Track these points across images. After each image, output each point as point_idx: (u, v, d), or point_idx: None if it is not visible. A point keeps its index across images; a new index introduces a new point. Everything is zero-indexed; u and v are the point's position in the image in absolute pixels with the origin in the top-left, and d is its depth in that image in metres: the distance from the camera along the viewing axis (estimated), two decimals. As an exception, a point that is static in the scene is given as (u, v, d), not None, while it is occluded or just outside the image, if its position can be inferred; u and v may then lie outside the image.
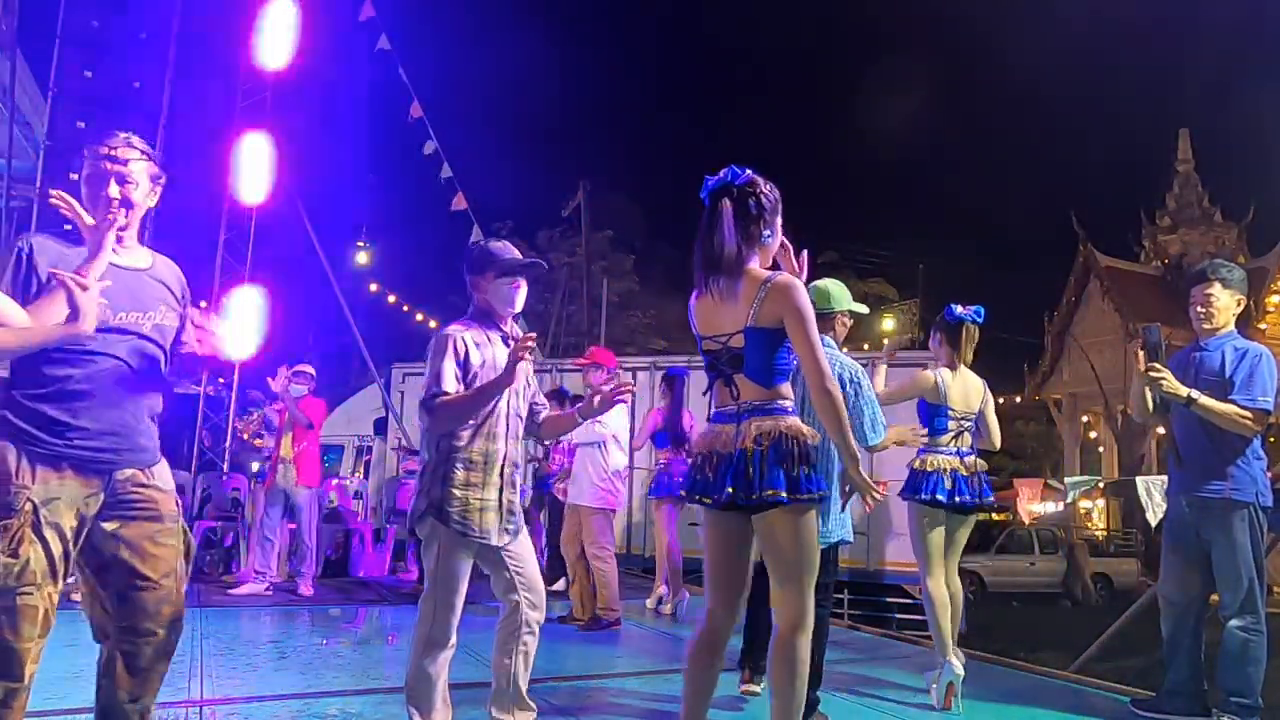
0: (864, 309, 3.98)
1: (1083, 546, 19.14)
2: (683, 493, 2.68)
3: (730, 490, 2.41)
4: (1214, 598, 3.75)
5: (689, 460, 2.72)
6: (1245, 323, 4.44)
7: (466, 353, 2.89)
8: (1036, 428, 32.16)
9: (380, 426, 12.00)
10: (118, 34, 9.74)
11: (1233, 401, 3.59)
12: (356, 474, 11.78)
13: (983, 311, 4.11)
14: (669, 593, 6.55)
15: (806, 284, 2.72)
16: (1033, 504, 24.26)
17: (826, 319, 3.68)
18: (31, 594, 2.13)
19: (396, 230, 24.94)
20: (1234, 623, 3.58)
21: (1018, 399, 27.58)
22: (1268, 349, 3.76)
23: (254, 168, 10.26)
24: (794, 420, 2.48)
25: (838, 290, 3.78)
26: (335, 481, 10.09)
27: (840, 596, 9.56)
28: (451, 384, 2.82)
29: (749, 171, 2.58)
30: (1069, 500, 22.72)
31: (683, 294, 3.35)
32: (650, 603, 6.87)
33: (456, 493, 2.84)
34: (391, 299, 21.59)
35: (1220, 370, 3.69)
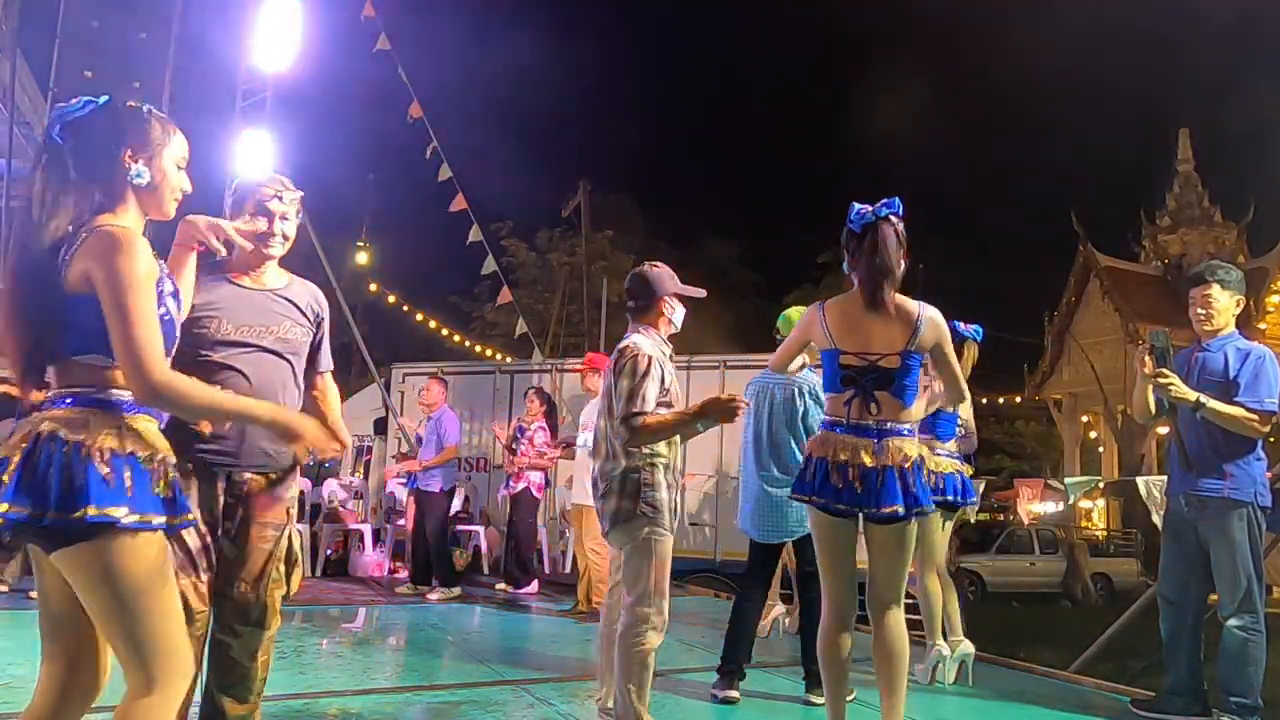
0: None
1: (1083, 546, 19.11)
2: (811, 496, 2.82)
3: (895, 507, 2.67)
4: (1213, 597, 3.76)
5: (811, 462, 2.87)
6: (1245, 323, 4.46)
7: (662, 374, 3.11)
8: (1036, 428, 32.06)
9: (380, 426, 11.98)
10: (118, 34, 9.73)
11: (1239, 403, 3.59)
12: (356, 474, 11.75)
13: (980, 331, 4.42)
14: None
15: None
16: (1033, 504, 24.22)
17: None
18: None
19: (396, 230, 24.92)
20: (1233, 622, 3.58)
21: (1018, 399, 27.52)
22: (1269, 350, 3.76)
23: (253, 168, 10.25)
24: (919, 440, 2.84)
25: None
26: (334, 481, 10.07)
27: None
28: (651, 405, 3.05)
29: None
30: (1069, 501, 22.72)
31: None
32: None
33: (661, 495, 3.08)
34: (391, 299, 21.55)
35: (1224, 372, 3.69)
